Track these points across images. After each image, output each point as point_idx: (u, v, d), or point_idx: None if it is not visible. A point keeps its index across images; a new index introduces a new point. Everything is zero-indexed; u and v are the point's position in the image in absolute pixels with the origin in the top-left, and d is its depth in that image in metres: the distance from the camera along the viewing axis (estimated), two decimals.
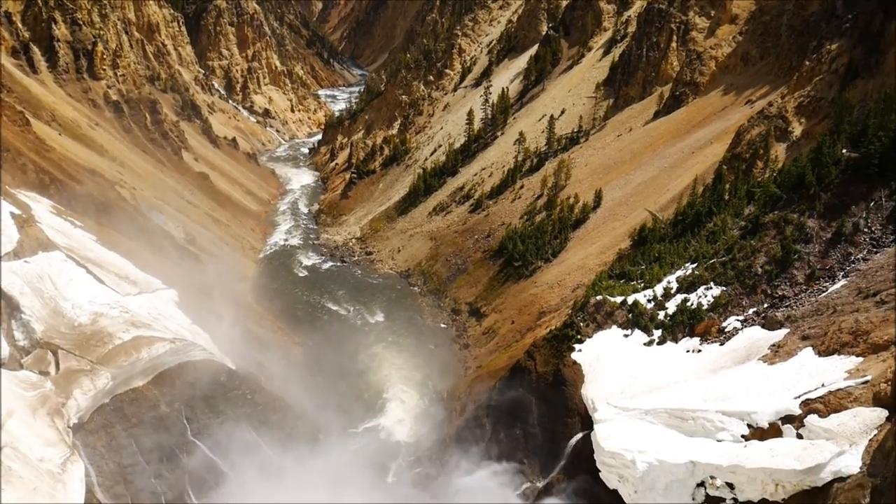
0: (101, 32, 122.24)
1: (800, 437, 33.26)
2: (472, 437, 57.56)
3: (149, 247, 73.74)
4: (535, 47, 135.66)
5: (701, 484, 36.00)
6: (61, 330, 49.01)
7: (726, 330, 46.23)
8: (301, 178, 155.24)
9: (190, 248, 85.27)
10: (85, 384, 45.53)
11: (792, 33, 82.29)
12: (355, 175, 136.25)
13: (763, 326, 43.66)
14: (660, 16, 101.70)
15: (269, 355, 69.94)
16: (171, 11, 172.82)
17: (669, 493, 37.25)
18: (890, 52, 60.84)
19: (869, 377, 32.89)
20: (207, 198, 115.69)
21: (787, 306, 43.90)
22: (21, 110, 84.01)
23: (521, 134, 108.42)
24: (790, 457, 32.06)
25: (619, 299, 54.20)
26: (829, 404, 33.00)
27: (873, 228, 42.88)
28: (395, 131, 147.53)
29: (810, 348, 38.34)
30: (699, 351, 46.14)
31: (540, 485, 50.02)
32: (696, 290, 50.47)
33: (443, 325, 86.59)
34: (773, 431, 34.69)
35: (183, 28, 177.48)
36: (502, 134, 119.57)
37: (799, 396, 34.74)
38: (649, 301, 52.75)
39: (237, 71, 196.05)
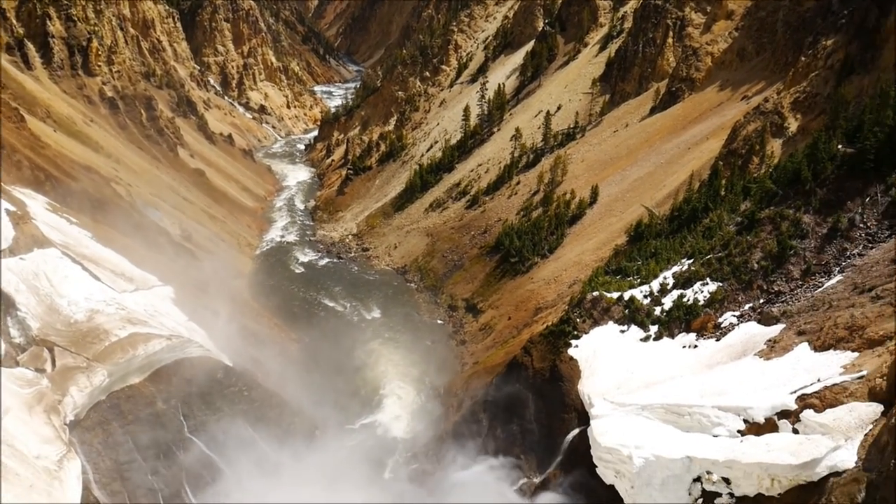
0: (96, 28, 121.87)
1: (796, 432, 33.34)
2: (469, 432, 57.63)
3: (145, 243, 73.63)
4: (532, 43, 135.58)
5: (697, 479, 36.07)
6: (57, 327, 48.93)
7: (722, 325, 46.30)
8: (297, 175, 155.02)
9: (186, 245, 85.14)
10: (81, 381, 45.49)
11: (788, 29, 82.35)
12: (351, 171, 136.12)
13: (759, 322, 43.72)
14: (656, 11, 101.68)
15: (265, 352, 69.88)
16: (166, 7, 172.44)
17: (666, 488, 37.33)
18: (885, 48, 60.92)
19: (864, 372, 32.97)
20: (203, 194, 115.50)
21: (782, 302, 43.97)
22: (16, 107, 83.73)
23: (517, 130, 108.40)
24: (786, 452, 32.13)
25: (615, 295, 54.24)
26: (824, 399, 33.08)
27: (869, 224, 42.95)
28: (391, 127, 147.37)
29: (806, 343, 38.41)
30: (695, 346, 46.20)
31: (537, 480, 50.11)
32: (692, 286, 50.53)
33: (439, 322, 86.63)
34: (769, 426, 34.77)
35: (178, 24, 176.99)
36: (498, 130, 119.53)
37: (795, 391, 34.81)
38: (646, 297, 52.81)
39: (233, 67, 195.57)
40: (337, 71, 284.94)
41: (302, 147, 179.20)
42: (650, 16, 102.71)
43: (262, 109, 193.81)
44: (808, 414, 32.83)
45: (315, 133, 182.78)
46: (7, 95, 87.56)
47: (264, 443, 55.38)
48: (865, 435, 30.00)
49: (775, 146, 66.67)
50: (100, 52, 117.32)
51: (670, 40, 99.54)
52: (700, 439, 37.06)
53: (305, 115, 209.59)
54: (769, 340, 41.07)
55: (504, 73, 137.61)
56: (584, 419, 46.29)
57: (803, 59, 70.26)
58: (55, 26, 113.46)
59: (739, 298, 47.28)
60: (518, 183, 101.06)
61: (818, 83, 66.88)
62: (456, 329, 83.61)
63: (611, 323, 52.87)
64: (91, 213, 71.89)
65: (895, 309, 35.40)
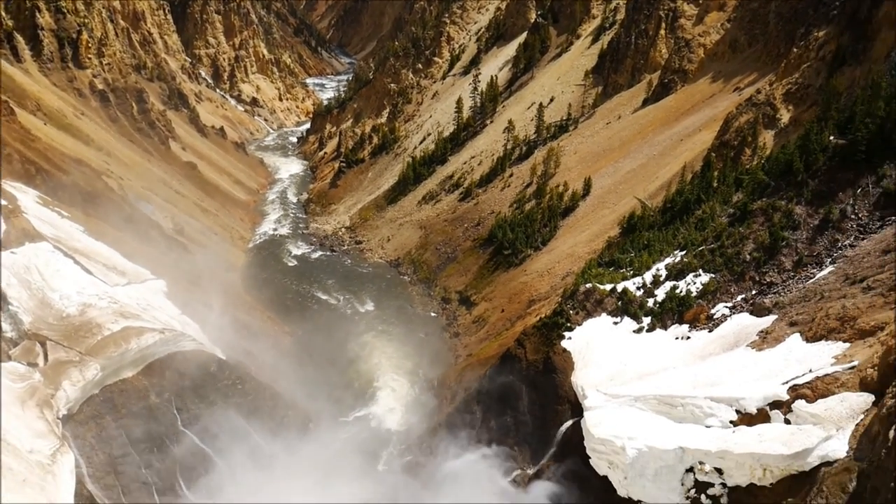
0: (86, 21, 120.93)
1: (787, 422, 33.52)
2: (463, 424, 57.72)
3: (137, 237, 73.37)
4: (524, 35, 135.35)
5: (690, 469, 36.26)
6: (49, 321, 48.72)
7: (715, 317, 46.46)
8: (290, 168, 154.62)
9: (178, 238, 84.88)
10: (74, 375, 45.33)
11: (780, 20, 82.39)
12: (344, 164, 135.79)
13: (751, 313, 43.86)
14: (648, 3, 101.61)
15: (258, 345, 69.81)
16: None
17: (659, 478, 37.52)
18: (877, 39, 60.99)
19: (856, 362, 33.15)
20: (195, 187, 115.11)
21: (774, 293, 44.13)
22: (5, 100, 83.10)
23: (510, 122, 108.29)
24: (778, 442, 32.31)
25: (608, 287, 54.35)
26: (816, 390, 33.25)
27: (860, 215, 43.09)
28: (383, 120, 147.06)
29: (798, 334, 38.58)
30: (688, 338, 46.35)
31: (530, 471, 50.27)
32: (684, 278, 50.65)
33: (433, 314, 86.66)
34: (761, 417, 34.94)
35: (169, 16, 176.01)
36: (491, 122, 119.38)
37: (787, 382, 34.98)
38: (638, 288, 52.92)
39: (224, 59, 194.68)
40: (329, 63, 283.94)
41: (294, 140, 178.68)
42: (642, 7, 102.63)
43: (254, 102, 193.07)
44: (799, 404, 33.00)
45: (307, 126, 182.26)
46: None
47: (258, 435, 55.35)
48: (857, 425, 30.18)
49: (767, 137, 66.81)
50: (90, 45, 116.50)
51: (663, 32, 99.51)
52: (693, 430, 37.23)
53: (297, 107, 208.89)
54: (761, 331, 41.23)
55: (497, 64, 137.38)
56: (577, 411, 46.43)
57: (795, 50, 70.34)
58: (45, 18, 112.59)
59: (732, 290, 47.43)
60: (511, 175, 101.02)
61: (810, 74, 66.99)
62: (449, 321, 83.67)
63: (604, 315, 52.98)
64: (82, 206, 71.55)
65: (886, 300, 35.58)
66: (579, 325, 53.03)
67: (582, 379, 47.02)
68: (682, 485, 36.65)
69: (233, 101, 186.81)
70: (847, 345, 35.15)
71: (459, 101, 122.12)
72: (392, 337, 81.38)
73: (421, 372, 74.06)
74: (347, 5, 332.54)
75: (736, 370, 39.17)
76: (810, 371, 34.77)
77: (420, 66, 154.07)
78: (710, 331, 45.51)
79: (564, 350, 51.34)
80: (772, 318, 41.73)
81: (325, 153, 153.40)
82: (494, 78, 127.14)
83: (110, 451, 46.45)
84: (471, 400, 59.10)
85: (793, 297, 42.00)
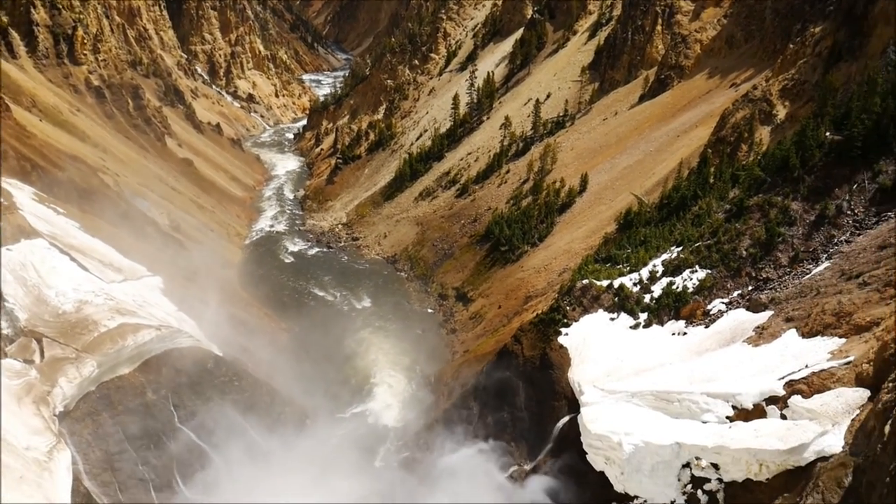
0: (81, 16, 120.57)
1: (784, 417, 33.59)
2: (460, 420, 57.77)
3: (133, 234, 73.24)
4: (521, 31, 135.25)
5: (686, 465, 36.32)
6: (45, 318, 48.65)
7: (711, 313, 46.52)
8: (286, 164, 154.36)
9: (175, 235, 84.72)
10: (70, 372, 45.28)
11: (776, 16, 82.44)
12: (341, 160, 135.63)
13: (747, 309, 43.94)
14: None
15: (255, 341, 69.77)
16: None
17: (655, 474, 37.59)
18: (873, 35, 61.03)
19: (851, 358, 33.21)
20: (192, 184, 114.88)
21: (771, 289, 44.20)
22: (0, 96, 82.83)
23: (506, 118, 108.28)
24: (774, 437, 32.38)
25: (605, 283, 54.38)
26: (812, 385, 33.32)
27: (856, 211, 43.17)
28: (380, 116, 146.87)
29: (794, 330, 38.65)
30: (684, 334, 46.42)
31: (527, 467, 50.34)
32: (681, 274, 50.71)
33: (430, 310, 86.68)
34: (757, 412, 35.01)
35: (164, 12, 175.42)
36: (488, 118, 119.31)
37: (783, 378, 35.04)
38: (635, 284, 52.97)
39: (220, 55, 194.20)
40: (325, 59, 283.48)
41: (290, 136, 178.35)
42: (639, 3, 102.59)
43: (251, 98, 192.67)
44: (795, 400, 33.08)
45: (304, 122, 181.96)
46: None
47: (255, 432, 55.34)
48: (852, 420, 30.26)
49: (764, 133, 66.85)
50: (85, 41, 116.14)
51: (659, 28, 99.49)
52: (689, 425, 37.29)
53: (294, 103, 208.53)
54: (757, 327, 41.30)
55: (493, 61, 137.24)
56: (574, 406, 46.48)
57: (791, 46, 70.38)
58: (39, 14, 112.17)
59: (728, 285, 47.50)
60: (508, 171, 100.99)
61: (806, 70, 67.03)
62: (446, 318, 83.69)
63: (600, 311, 53.02)
64: (78, 203, 71.38)
65: (882, 295, 35.65)
66: (576, 321, 53.08)
67: (578, 375, 47.06)
68: (679, 480, 36.72)
69: (229, 98, 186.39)
70: (843, 340, 35.21)
71: (456, 98, 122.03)
72: (389, 333, 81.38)
73: (418, 368, 74.09)
74: (344, 1, 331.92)
75: (732, 366, 39.23)
76: (806, 366, 34.83)
77: (416, 62, 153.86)
78: (706, 326, 45.58)
79: (561, 346, 51.39)
80: (768, 313, 41.80)
81: (322, 149, 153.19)
82: (491, 74, 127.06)
83: (107, 447, 46.41)
84: (468, 396, 59.16)
85: (789, 293, 42.07)
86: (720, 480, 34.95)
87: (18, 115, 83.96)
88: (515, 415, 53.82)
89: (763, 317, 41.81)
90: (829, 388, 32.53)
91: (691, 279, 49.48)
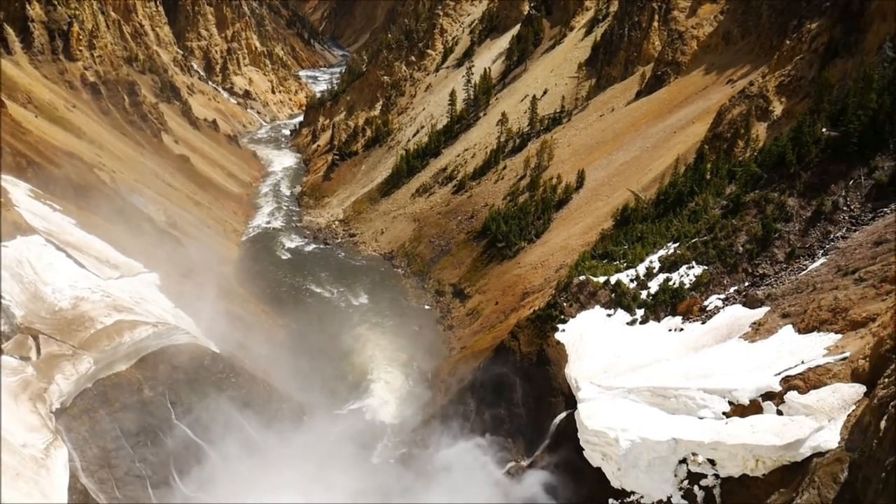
0: (77, 12, 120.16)
1: (780, 413, 33.67)
2: (457, 416, 57.83)
3: (129, 230, 73.10)
4: (517, 27, 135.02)
5: (683, 461, 36.42)
6: (42, 315, 48.56)
7: (708, 308, 46.61)
8: (283, 160, 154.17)
9: (171, 232, 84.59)
10: (67, 369, 45.22)
11: (772, 13, 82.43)
12: (337, 157, 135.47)
13: (744, 305, 44.03)
14: None
15: (252, 338, 69.75)
16: None
17: (652, 470, 37.68)
18: (869, 31, 61.09)
19: (847, 354, 33.30)
20: (188, 180, 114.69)
21: (767, 284, 44.29)
22: None
23: (503, 115, 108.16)
24: (770, 433, 32.47)
25: (602, 279, 54.45)
26: (808, 381, 33.40)
27: (852, 207, 43.25)
28: (377, 112, 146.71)
29: (790, 326, 38.73)
30: (681, 329, 46.50)
31: (524, 463, 50.45)
32: (678, 270, 50.79)
33: (427, 307, 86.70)
34: (753, 408, 35.09)
35: (160, 8, 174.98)
36: (485, 115, 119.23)
37: (779, 373, 35.12)
38: (632, 281, 53.04)
39: (216, 52, 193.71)
40: (322, 55, 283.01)
41: (287, 132, 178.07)
42: None
43: (247, 94, 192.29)
44: (792, 395, 33.16)
45: (300, 118, 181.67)
46: None
47: (252, 428, 55.33)
48: (848, 415, 30.36)
49: (760, 130, 66.92)
50: (81, 37, 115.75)
51: (656, 24, 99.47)
52: (686, 421, 37.38)
53: (290, 100, 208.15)
54: (754, 323, 41.39)
55: (490, 57, 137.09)
56: (571, 403, 46.57)
57: (788, 42, 70.40)
58: (35, 10, 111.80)
59: (725, 282, 47.58)
60: (504, 168, 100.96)
61: (803, 67, 67.09)
62: (443, 314, 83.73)
63: (597, 307, 53.10)
64: (74, 199, 71.25)
65: (878, 291, 35.74)
66: (573, 317, 53.15)
67: (575, 371, 47.13)
68: (676, 476, 36.82)
69: (225, 94, 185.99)
70: (839, 336, 35.30)
71: (453, 94, 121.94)
72: (386, 329, 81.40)
73: (415, 364, 74.13)
74: None
75: (729, 362, 39.31)
76: (802, 362, 34.91)
77: (413, 58, 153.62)
78: (703, 322, 45.66)
79: (558, 342, 51.47)
80: (764, 309, 41.89)
81: (319, 146, 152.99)
82: (488, 70, 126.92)
83: (104, 444, 46.36)
84: (465, 392, 59.20)
85: (785, 289, 42.15)
86: (717, 476, 35.07)
87: (14, 112, 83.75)
88: (512, 411, 53.89)
89: (759, 313, 41.89)
90: (825, 384, 32.63)
91: (688, 275, 49.56)
